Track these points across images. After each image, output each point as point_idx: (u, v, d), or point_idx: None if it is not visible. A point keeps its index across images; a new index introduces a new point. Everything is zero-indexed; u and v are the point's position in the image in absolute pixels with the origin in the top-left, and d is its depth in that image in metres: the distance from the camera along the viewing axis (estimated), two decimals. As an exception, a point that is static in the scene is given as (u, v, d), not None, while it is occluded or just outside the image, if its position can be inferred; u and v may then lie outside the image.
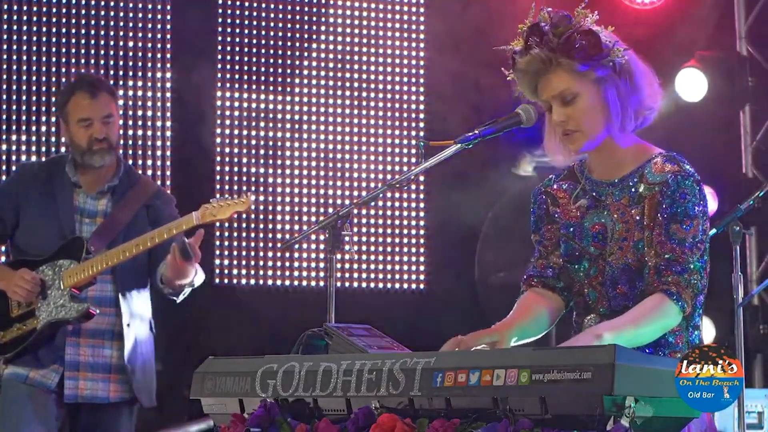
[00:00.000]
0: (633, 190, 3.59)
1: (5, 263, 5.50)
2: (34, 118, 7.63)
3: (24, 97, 7.63)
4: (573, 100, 3.56)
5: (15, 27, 7.65)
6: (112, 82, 7.55)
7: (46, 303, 5.30)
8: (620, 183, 3.63)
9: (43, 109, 7.65)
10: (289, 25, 8.23)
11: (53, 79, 7.66)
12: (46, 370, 5.31)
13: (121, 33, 7.81)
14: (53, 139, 7.64)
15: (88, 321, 5.28)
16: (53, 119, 7.61)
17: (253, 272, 8.11)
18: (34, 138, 7.63)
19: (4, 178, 7.51)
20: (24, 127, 7.62)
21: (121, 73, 7.80)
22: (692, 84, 8.22)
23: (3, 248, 5.71)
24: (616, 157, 3.63)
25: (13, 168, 7.47)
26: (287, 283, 8.16)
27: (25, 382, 5.30)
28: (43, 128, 7.64)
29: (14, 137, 7.61)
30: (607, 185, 3.65)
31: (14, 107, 7.60)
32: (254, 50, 8.15)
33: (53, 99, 7.58)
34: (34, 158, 7.49)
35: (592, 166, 3.70)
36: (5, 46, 7.62)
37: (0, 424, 5.32)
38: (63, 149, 7.52)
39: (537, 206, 3.78)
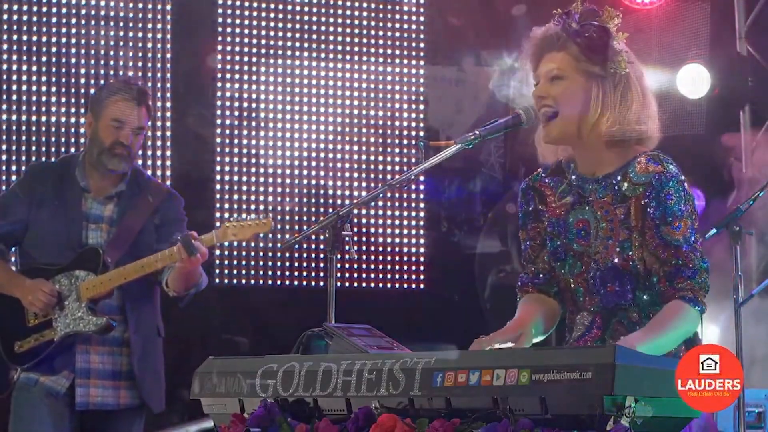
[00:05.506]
0: (616, 188, 3.64)
1: (19, 271, 5.48)
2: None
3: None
4: (558, 80, 3.64)
5: (15, 32, 7.64)
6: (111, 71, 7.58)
7: (63, 314, 5.31)
8: (603, 180, 3.67)
9: (43, 119, 7.63)
10: (289, 25, 8.22)
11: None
12: (56, 376, 5.32)
13: (121, 41, 7.80)
14: (53, 138, 7.64)
15: (108, 333, 5.30)
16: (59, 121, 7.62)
17: (253, 272, 8.10)
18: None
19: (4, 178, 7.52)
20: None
21: (121, 63, 7.78)
22: (695, 80, 8.18)
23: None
24: (600, 153, 3.68)
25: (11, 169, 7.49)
26: (287, 283, 8.15)
27: (35, 385, 5.31)
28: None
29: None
30: (590, 181, 3.69)
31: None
32: (254, 50, 8.14)
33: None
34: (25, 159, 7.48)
35: (577, 161, 3.75)
36: (5, 56, 7.61)
37: (15, 426, 5.33)
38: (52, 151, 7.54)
39: (525, 201, 3.83)
